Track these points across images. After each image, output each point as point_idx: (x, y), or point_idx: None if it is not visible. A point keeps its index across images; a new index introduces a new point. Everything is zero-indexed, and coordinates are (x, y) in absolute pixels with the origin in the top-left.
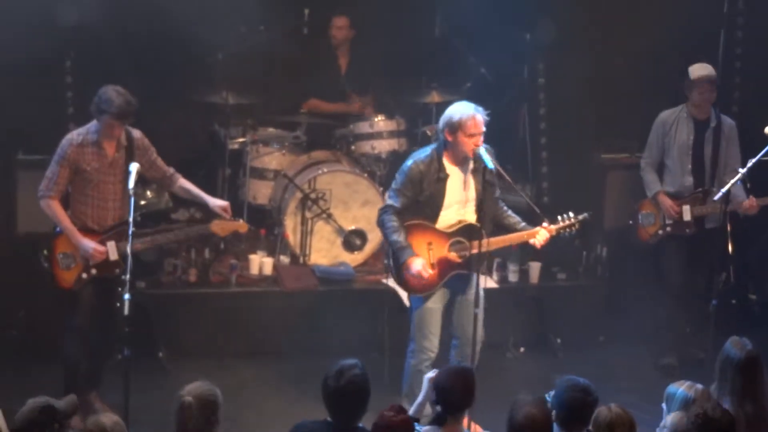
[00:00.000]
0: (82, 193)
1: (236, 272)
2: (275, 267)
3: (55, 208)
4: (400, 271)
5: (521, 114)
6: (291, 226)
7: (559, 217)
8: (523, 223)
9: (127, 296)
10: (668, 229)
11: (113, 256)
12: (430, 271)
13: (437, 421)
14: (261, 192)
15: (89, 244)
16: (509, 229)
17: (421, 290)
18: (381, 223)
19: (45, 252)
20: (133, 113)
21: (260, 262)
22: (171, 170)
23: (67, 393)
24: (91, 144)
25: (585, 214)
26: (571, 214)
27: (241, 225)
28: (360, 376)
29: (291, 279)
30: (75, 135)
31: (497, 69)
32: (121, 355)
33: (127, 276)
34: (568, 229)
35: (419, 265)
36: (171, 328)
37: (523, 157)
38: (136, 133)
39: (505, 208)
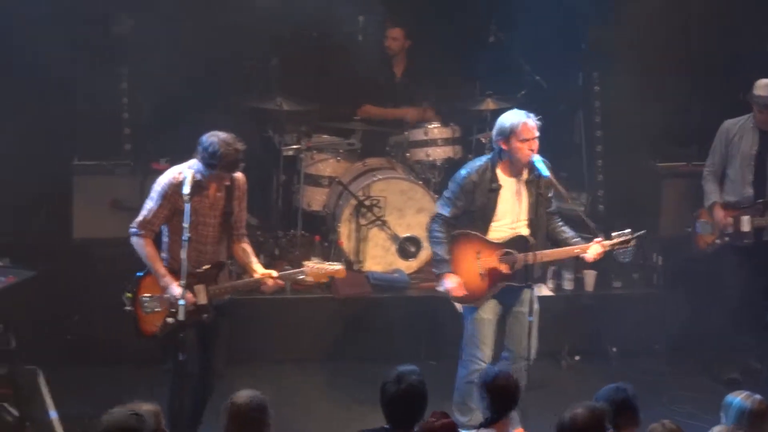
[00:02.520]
0: (179, 234)
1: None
2: None
3: (147, 248)
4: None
5: (576, 122)
6: (345, 233)
7: (614, 233)
8: (578, 239)
9: (182, 302)
10: (726, 238)
11: (202, 300)
12: (465, 292)
13: (486, 423)
14: (315, 199)
15: (177, 290)
16: (563, 243)
17: (469, 300)
18: (428, 231)
19: (128, 294)
20: (242, 160)
21: None
22: (244, 230)
23: None
24: (192, 184)
25: (643, 231)
26: (628, 230)
27: (339, 271)
28: (418, 382)
29: (345, 286)
30: (177, 174)
31: (552, 76)
32: (177, 363)
33: (183, 282)
34: (624, 246)
35: (450, 283)
36: (229, 338)
37: (579, 165)
38: (240, 177)
39: (561, 223)
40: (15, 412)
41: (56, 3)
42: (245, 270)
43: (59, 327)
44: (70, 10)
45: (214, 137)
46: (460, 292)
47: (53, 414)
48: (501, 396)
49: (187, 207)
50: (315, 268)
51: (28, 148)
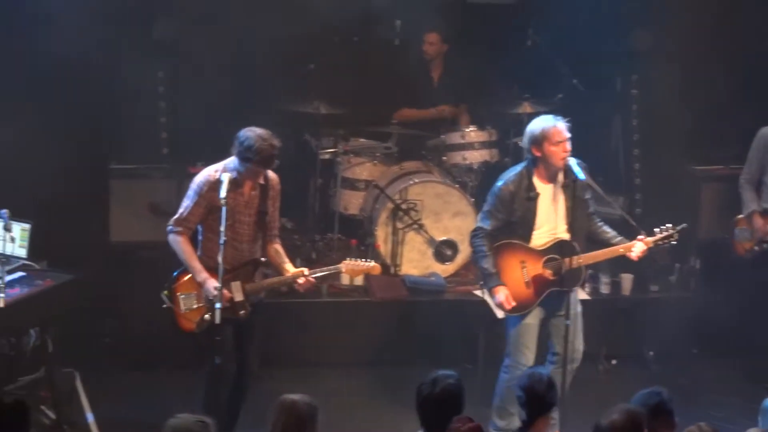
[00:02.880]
0: (214, 231)
1: (327, 282)
2: (366, 277)
3: (183, 245)
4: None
5: (614, 125)
6: (382, 236)
7: (656, 229)
8: (619, 237)
9: (218, 305)
10: (765, 245)
11: (238, 297)
12: (513, 303)
13: (524, 426)
14: (352, 202)
15: (214, 285)
16: (604, 243)
17: (518, 310)
18: (472, 246)
19: (166, 292)
20: (277, 156)
21: None
22: (277, 231)
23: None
24: (228, 182)
25: (683, 225)
26: (668, 225)
27: (374, 267)
28: (455, 385)
29: (381, 289)
30: (213, 172)
31: (590, 80)
32: (213, 363)
33: (220, 285)
34: (665, 241)
35: (502, 296)
36: (264, 337)
37: (616, 168)
38: (274, 177)
39: (600, 222)
40: (52, 415)
41: (97, 5)
42: (278, 271)
43: (97, 330)
44: (109, 11)
45: (250, 132)
46: (510, 305)
47: (90, 417)
48: (534, 397)
49: (224, 210)
50: (351, 264)
51: (65, 152)
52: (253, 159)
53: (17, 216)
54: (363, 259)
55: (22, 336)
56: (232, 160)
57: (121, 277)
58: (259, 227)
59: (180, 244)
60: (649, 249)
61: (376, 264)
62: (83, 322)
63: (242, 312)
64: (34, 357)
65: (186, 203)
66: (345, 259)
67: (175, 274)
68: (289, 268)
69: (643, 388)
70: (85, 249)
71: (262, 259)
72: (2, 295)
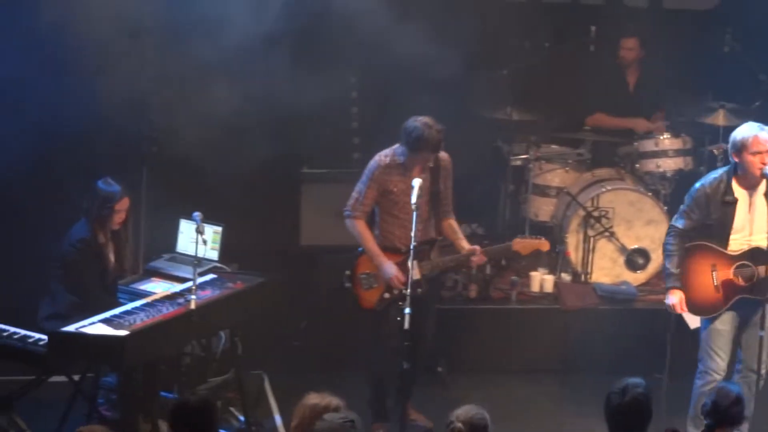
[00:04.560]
0: (389, 213)
1: (517, 289)
2: (556, 284)
3: (360, 229)
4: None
5: None
6: (573, 243)
7: None
8: None
9: (407, 310)
10: None
11: (415, 276)
12: (685, 309)
13: None
14: (543, 209)
15: (391, 269)
16: None
17: (705, 313)
18: (663, 244)
19: (347, 272)
20: (443, 140)
21: (541, 280)
22: (450, 207)
23: (372, 406)
24: (397, 166)
25: None
26: None
27: (543, 243)
28: (644, 395)
29: (572, 297)
30: (383, 157)
31: None
32: (401, 368)
33: (408, 290)
34: None
35: (676, 299)
36: (451, 342)
37: None
38: (444, 156)
39: None
40: (241, 417)
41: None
42: (453, 245)
43: (286, 333)
44: (302, 22)
45: (416, 122)
46: (682, 310)
47: (278, 419)
48: (717, 410)
49: (414, 215)
50: (521, 241)
51: (258, 155)
52: (425, 149)
53: (210, 218)
54: (534, 236)
55: (212, 338)
56: (399, 146)
57: (310, 281)
58: (431, 207)
59: (357, 228)
60: None
61: (545, 240)
62: (272, 325)
63: (419, 290)
64: (224, 359)
65: (359, 188)
66: (536, 271)
67: (360, 250)
68: (464, 245)
69: None
70: (275, 252)
71: (438, 237)
72: (194, 297)
